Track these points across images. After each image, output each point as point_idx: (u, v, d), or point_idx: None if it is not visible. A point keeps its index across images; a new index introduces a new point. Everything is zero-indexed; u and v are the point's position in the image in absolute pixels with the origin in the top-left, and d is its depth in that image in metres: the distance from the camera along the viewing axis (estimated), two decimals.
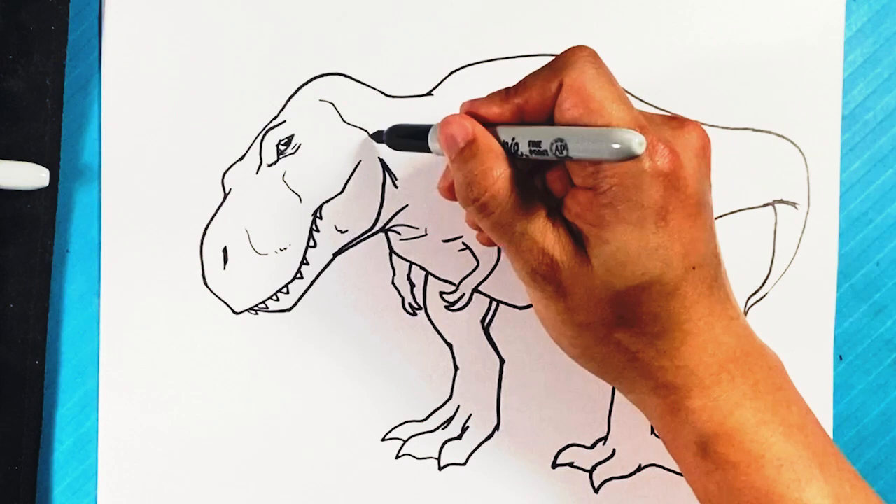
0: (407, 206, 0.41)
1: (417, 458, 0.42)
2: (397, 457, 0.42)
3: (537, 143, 0.30)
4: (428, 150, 0.36)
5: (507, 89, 0.33)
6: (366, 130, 0.41)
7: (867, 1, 0.42)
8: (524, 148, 0.31)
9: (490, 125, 0.33)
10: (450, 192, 0.36)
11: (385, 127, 0.40)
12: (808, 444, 0.31)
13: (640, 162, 0.29)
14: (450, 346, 0.42)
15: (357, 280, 0.42)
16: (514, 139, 0.31)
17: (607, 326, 0.32)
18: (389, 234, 0.42)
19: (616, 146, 0.27)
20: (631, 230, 0.30)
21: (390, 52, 0.41)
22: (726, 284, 0.33)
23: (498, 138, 0.32)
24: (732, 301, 0.33)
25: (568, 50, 0.32)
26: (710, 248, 0.32)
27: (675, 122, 0.32)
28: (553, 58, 0.32)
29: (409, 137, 0.38)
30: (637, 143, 0.27)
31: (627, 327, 0.31)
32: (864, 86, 0.42)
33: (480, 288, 0.42)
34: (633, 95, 0.41)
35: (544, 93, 0.31)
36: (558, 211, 0.32)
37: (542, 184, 0.34)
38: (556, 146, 0.29)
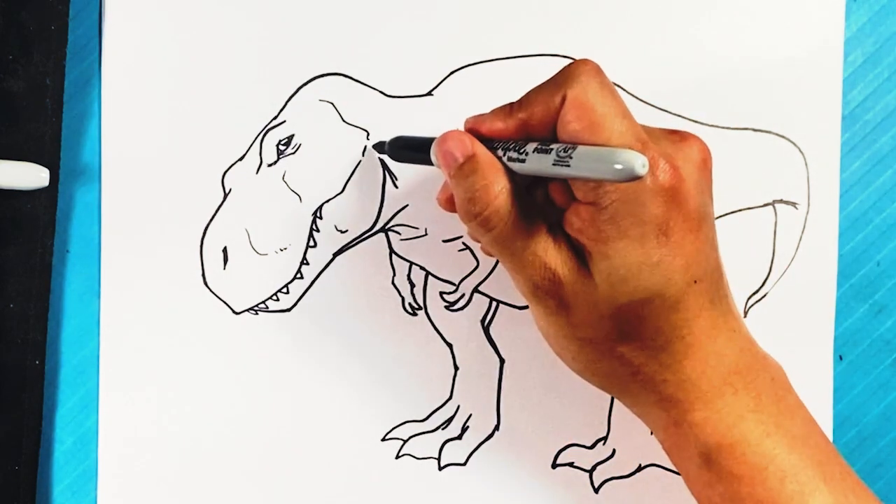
0: (407, 206, 0.41)
1: (417, 458, 0.42)
2: (397, 457, 0.42)
3: (546, 150, 0.30)
4: (430, 162, 0.36)
5: (511, 104, 0.33)
6: (366, 130, 0.41)
7: (867, 1, 0.42)
8: (531, 150, 0.31)
9: (492, 141, 0.33)
10: (449, 204, 0.36)
11: (387, 137, 0.40)
12: (812, 454, 0.31)
13: (642, 178, 0.29)
14: (450, 346, 0.42)
15: (357, 280, 0.42)
16: (521, 147, 0.31)
17: (610, 341, 0.32)
18: (389, 234, 0.42)
19: (618, 167, 0.27)
20: (633, 245, 0.30)
21: (390, 52, 0.41)
22: (728, 297, 0.33)
23: (499, 156, 0.32)
24: (735, 313, 0.33)
25: (571, 63, 0.32)
26: (711, 262, 0.32)
27: (676, 135, 0.32)
28: (557, 71, 0.32)
29: (411, 150, 0.38)
30: (640, 164, 0.27)
31: (630, 341, 0.31)
32: (864, 86, 0.42)
33: (480, 288, 0.42)
34: (633, 96, 0.41)
35: (548, 107, 0.31)
36: (559, 225, 0.32)
37: (543, 197, 0.34)
38: (563, 151, 0.29)
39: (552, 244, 0.32)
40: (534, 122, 0.32)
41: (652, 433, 0.42)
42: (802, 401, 0.33)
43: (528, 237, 0.32)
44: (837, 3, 0.42)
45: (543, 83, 0.32)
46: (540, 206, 0.33)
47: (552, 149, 0.30)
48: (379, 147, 0.41)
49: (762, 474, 0.31)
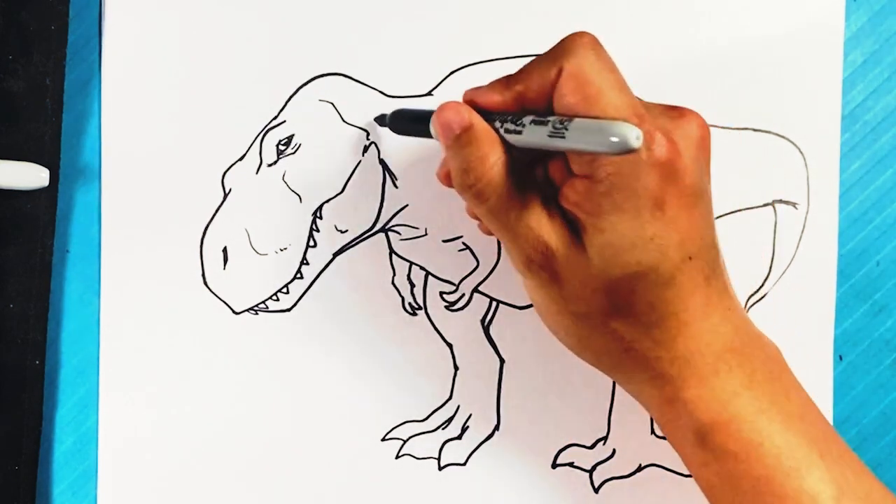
0: (407, 206, 0.42)
1: (417, 458, 0.42)
2: (397, 457, 0.42)
3: (542, 122, 0.30)
4: (430, 135, 0.35)
5: (508, 77, 0.33)
6: (366, 130, 0.41)
7: (867, 1, 0.42)
8: (528, 122, 0.30)
9: (490, 114, 0.32)
10: (447, 179, 0.36)
11: (388, 111, 0.40)
12: (808, 431, 0.31)
13: (637, 151, 0.29)
14: (450, 346, 0.42)
15: (357, 280, 0.42)
16: (518, 119, 0.31)
17: (603, 315, 0.31)
18: (389, 234, 0.42)
19: (613, 140, 0.27)
20: (627, 219, 0.30)
21: (390, 52, 0.41)
22: (724, 275, 0.33)
23: (496, 128, 0.32)
24: (730, 291, 0.33)
25: (568, 36, 0.31)
26: (707, 239, 0.32)
27: (675, 111, 0.32)
28: (554, 44, 0.32)
29: (411, 122, 0.38)
30: (634, 137, 0.27)
31: (623, 316, 0.31)
32: (864, 86, 0.42)
33: (480, 288, 0.42)
34: None
35: (544, 79, 0.31)
36: (555, 200, 0.32)
37: (542, 174, 0.34)
38: (559, 123, 0.29)
39: (546, 217, 0.31)
40: (531, 94, 0.32)
41: (652, 430, 0.42)
42: (799, 381, 0.33)
43: (522, 210, 0.31)
44: (837, 3, 0.42)
45: (540, 55, 0.32)
46: (538, 182, 0.33)
47: (549, 121, 0.30)
48: (380, 120, 0.40)
49: (757, 451, 0.31)
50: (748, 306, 0.42)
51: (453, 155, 0.32)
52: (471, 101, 0.33)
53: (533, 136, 0.30)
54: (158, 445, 0.42)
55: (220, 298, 0.42)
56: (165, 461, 0.42)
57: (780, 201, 0.42)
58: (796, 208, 0.42)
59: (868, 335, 0.42)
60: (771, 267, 0.42)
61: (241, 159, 0.42)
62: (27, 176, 0.40)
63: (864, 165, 0.42)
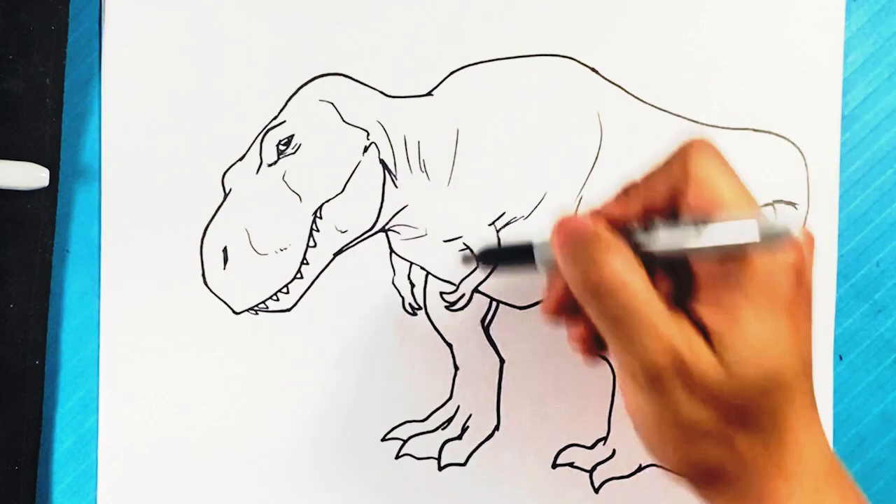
0: (407, 206, 0.42)
1: (417, 458, 0.42)
2: (397, 457, 0.42)
3: (677, 225, 0.29)
4: (528, 263, 0.34)
5: (628, 186, 0.32)
6: (366, 130, 0.41)
7: (867, 1, 0.42)
8: (661, 227, 0.30)
9: (616, 225, 0.31)
10: (557, 307, 0.34)
11: (477, 247, 0.37)
12: None
13: (773, 253, 0.29)
14: (450, 346, 0.42)
15: (357, 280, 0.42)
16: (650, 225, 0.30)
17: (726, 426, 0.30)
18: (389, 234, 0.42)
19: (764, 230, 0.27)
20: (766, 321, 0.29)
21: (390, 52, 0.41)
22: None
23: (624, 237, 0.31)
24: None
25: (688, 142, 0.31)
26: (811, 350, 0.31)
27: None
28: (672, 151, 0.31)
29: (507, 256, 0.35)
30: (788, 224, 0.27)
31: (746, 428, 0.30)
32: (864, 86, 0.42)
33: (480, 288, 0.42)
34: (633, 96, 0.41)
35: (669, 187, 0.31)
36: (682, 308, 0.31)
37: (664, 287, 0.32)
38: (701, 223, 0.29)
39: (675, 325, 0.30)
40: (656, 204, 0.31)
41: None
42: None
43: (649, 316, 0.29)
44: (837, 3, 0.42)
45: (661, 164, 0.32)
46: (663, 292, 0.31)
47: (684, 223, 0.30)
48: (468, 260, 0.39)
49: None
50: None
51: (575, 263, 0.30)
52: (596, 215, 0.32)
53: (668, 239, 0.30)
54: (158, 445, 0.42)
55: (220, 298, 0.42)
56: (165, 461, 0.42)
57: (780, 201, 0.42)
58: (796, 208, 0.42)
59: (868, 335, 0.42)
60: None
61: (241, 159, 0.42)
62: (27, 176, 0.40)
63: (864, 165, 0.42)
